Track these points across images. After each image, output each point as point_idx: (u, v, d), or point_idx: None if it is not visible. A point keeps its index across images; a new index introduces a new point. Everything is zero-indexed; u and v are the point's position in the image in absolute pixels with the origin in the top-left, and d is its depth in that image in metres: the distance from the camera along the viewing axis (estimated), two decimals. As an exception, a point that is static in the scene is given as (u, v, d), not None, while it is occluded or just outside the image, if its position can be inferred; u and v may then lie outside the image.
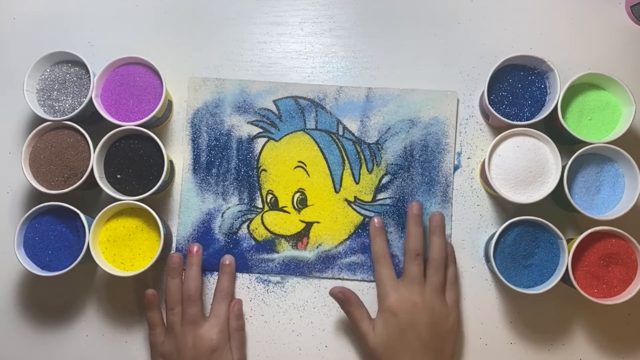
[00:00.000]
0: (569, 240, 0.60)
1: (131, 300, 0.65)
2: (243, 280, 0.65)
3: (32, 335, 0.65)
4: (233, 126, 0.66)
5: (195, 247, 0.63)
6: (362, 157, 0.66)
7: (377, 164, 0.66)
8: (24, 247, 0.60)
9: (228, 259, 0.64)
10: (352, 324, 0.61)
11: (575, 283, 0.57)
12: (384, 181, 0.65)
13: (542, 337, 0.63)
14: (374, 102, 0.66)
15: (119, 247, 0.61)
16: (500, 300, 0.64)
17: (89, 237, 0.59)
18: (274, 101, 0.67)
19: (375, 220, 0.63)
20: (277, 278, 0.65)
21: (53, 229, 0.60)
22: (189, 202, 0.65)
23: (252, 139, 0.66)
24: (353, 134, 0.66)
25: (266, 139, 0.66)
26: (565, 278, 0.58)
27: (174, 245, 0.65)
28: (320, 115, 0.66)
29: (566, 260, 0.58)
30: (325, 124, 0.66)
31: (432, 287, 0.59)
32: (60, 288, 0.65)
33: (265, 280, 0.65)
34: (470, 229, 0.65)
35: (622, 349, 0.63)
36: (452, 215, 0.65)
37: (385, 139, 0.66)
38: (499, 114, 0.61)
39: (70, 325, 0.65)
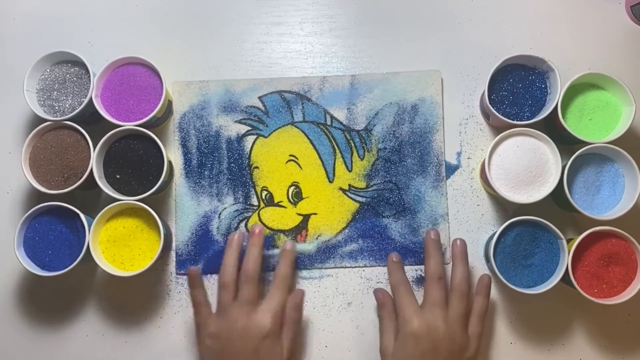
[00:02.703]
0: (569, 240, 0.60)
1: (131, 300, 0.65)
2: (243, 280, 0.65)
3: (32, 335, 0.65)
4: (221, 127, 0.66)
5: (258, 229, 0.61)
6: (353, 145, 0.66)
7: (368, 150, 0.66)
8: (24, 247, 0.60)
9: (289, 244, 0.62)
10: (379, 331, 0.61)
11: (575, 283, 0.57)
12: (376, 166, 0.65)
13: (542, 337, 0.63)
14: (359, 88, 0.66)
15: (119, 247, 0.61)
16: (500, 300, 0.64)
17: (89, 237, 0.59)
18: (259, 98, 0.67)
19: (393, 255, 0.62)
20: (277, 278, 0.65)
21: (53, 229, 0.60)
22: (184, 206, 0.65)
23: (241, 138, 0.66)
24: (341, 123, 0.66)
25: (255, 136, 0.66)
26: (565, 278, 0.58)
27: (173, 247, 0.65)
28: (306, 107, 0.66)
29: (566, 260, 0.58)
30: (312, 115, 0.66)
31: (455, 315, 0.57)
32: (60, 288, 0.65)
33: (266, 280, 0.65)
34: (470, 229, 0.65)
35: (622, 349, 0.63)
36: (447, 194, 0.65)
37: (373, 124, 0.66)
38: (499, 113, 0.61)
39: (70, 325, 0.65)
